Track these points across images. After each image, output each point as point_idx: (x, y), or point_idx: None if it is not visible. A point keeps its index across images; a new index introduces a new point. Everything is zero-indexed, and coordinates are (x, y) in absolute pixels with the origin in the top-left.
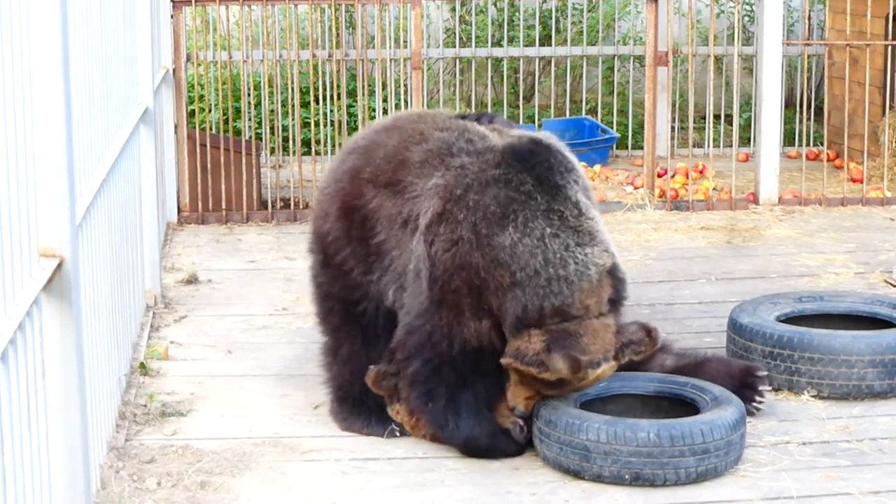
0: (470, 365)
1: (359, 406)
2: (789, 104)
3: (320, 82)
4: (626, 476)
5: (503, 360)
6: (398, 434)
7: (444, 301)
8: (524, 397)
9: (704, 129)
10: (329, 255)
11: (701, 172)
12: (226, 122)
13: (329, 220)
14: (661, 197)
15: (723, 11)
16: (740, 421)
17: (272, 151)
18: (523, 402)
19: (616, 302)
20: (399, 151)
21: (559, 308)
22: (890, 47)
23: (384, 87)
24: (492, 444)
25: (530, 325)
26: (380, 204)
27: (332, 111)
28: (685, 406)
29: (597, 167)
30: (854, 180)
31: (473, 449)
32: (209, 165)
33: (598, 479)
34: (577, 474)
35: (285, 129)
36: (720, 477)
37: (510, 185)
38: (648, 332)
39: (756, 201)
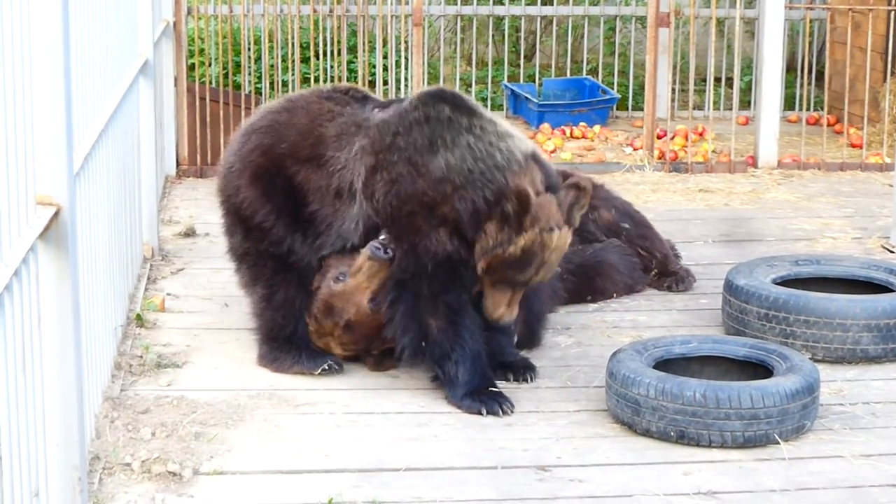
0: (446, 277)
1: (288, 345)
2: (790, 68)
3: (321, 38)
4: (672, 433)
5: (479, 267)
6: (333, 369)
7: (402, 233)
8: (504, 303)
9: (705, 91)
10: (249, 219)
11: (700, 135)
12: (226, 76)
13: (242, 191)
14: (660, 158)
15: None
16: (802, 391)
17: None
18: (504, 309)
19: (550, 187)
20: (313, 128)
21: (498, 192)
22: (892, 13)
23: (385, 43)
24: (489, 396)
25: (483, 220)
26: (306, 177)
27: (332, 67)
28: (769, 372)
29: (596, 128)
30: (854, 146)
31: (470, 396)
32: (208, 119)
33: (646, 433)
34: (630, 427)
35: (285, 84)
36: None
37: (430, 119)
38: (578, 186)
39: (755, 165)
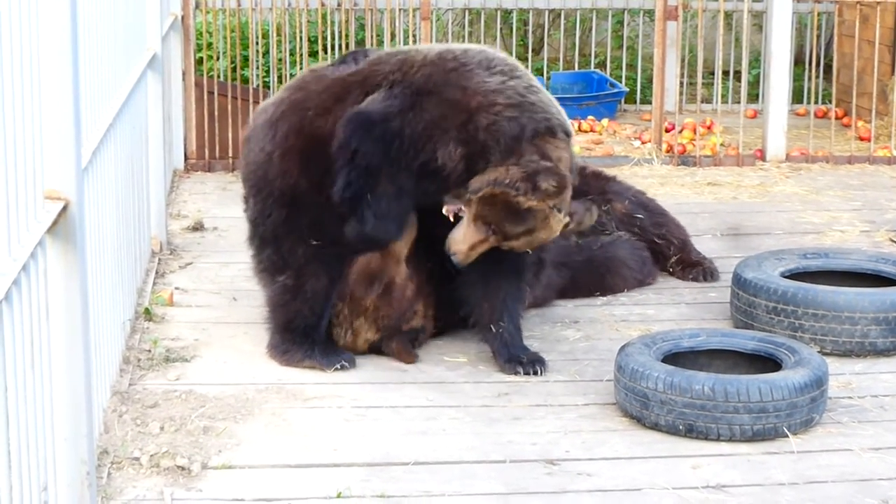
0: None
1: (302, 338)
2: (798, 61)
3: (329, 31)
4: (681, 427)
5: (481, 191)
6: (345, 367)
7: (423, 111)
8: (470, 243)
9: (713, 84)
10: (300, 202)
11: (709, 128)
12: (233, 70)
13: (293, 176)
14: (668, 152)
15: None
16: (810, 384)
17: None
18: (465, 249)
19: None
20: (333, 85)
21: (551, 129)
22: None
23: (393, 37)
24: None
25: (517, 151)
26: (336, 116)
27: None
28: (777, 365)
29: (605, 121)
30: (862, 139)
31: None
32: (216, 113)
33: (655, 427)
34: (638, 420)
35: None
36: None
37: (491, 57)
38: (590, 209)
39: (763, 158)
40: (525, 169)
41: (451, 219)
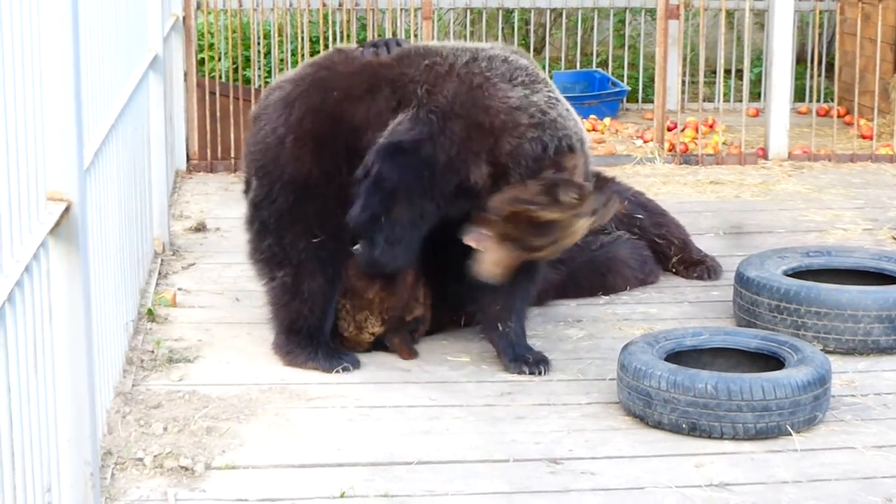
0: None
1: (307, 339)
2: (800, 60)
3: (330, 31)
4: (684, 425)
5: (502, 211)
6: (348, 370)
7: (442, 135)
8: (502, 264)
9: (715, 83)
10: (310, 191)
11: (711, 127)
12: (235, 70)
13: (305, 162)
14: (670, 151)
15: None
16: (814, 382)
17: None
18: (496, 270)
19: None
20: (363, 70)
21: (570, 147)
22: None
23: (394, 36)
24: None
25: (541, 169)
26: (367, 107)
27: None
28: (780, 364)
29: (606, 120)
30: (864, 137)
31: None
32: (218, 114)
33: (658, 425)
34: (641, 419)
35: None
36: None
37: (508, 60)
38: (608, 200)
39: (765, 156)
40: (542, 182)
41: (476, 247)
